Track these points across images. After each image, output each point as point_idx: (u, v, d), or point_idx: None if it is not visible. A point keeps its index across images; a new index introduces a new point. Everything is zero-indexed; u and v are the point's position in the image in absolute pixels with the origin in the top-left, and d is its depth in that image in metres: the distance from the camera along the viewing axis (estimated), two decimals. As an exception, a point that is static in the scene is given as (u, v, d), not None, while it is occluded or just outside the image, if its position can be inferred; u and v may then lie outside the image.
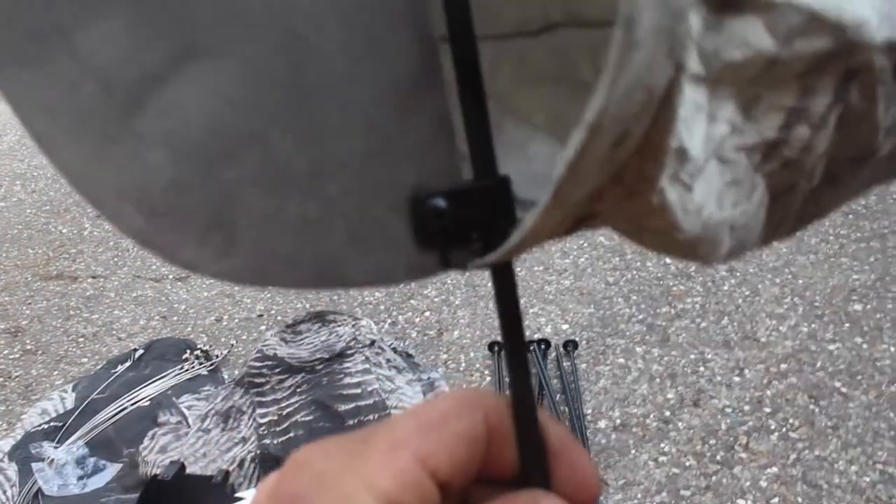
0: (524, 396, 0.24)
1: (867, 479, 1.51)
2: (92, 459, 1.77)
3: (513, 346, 0.24)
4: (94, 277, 2.73)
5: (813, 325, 1.99)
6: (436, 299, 2.31)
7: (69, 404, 1.96)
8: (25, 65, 0.21)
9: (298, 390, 1.73)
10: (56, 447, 1.79)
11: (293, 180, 0.22)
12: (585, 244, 2.51)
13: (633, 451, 1.65)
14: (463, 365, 1.98)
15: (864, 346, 1.89)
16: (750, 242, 0.27)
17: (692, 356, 1.92)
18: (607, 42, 0.33)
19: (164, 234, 0.23)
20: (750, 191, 0.25)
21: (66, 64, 0.21)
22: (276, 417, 1.68)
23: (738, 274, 2.24)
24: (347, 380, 1.71)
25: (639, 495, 1.54)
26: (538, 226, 0.21)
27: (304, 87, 0.21)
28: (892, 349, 1.86)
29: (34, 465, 1.71)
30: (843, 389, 1.76)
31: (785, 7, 0.21)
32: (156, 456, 1.68)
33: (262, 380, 1.78)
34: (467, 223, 0.22)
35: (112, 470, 1.75)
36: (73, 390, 2.02)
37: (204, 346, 2.17)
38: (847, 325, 1.97)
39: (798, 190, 0.27)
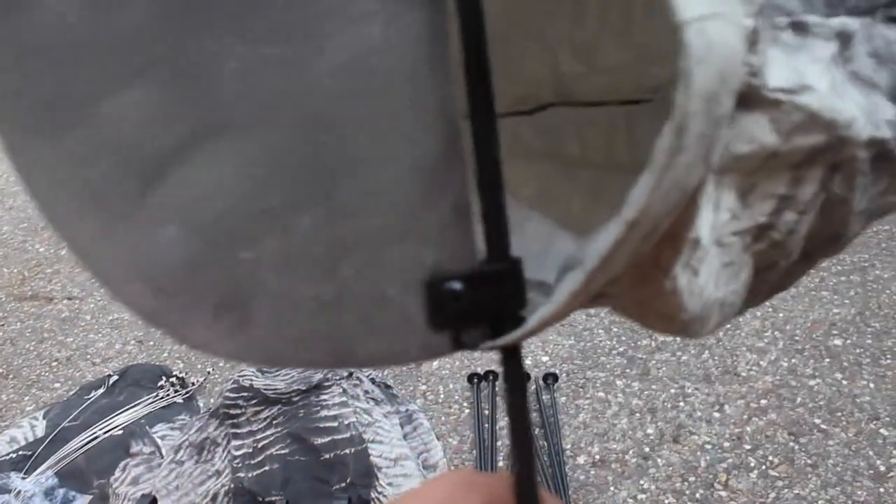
0: (528, 487, 0.24)
1: (846, 520, 1.50)
2: (61, 490, 1.73)
3: (519, 436, 0.24)
4: (69, 299, 2.69)
5: (793, 360, 1.98)
6: (416, 328, 2.29)
7: (39, 432, 1.92)
8: (40, 136, 0.20)
9: (274, 422, 1.71)
10: (24, 478, 1.75)
11: (309, 261, 0.22)
12: (567, 273, 2.50)
13: (612, 488, 1.64)
14: (442, 396, 1.96)
15: (844, 381, 1.89)
16: (731, 316, 0.28)
17: (672, 390, 1.91)
18: (593, 121, 0.35)
19: (174, 314, 0.22)
20: (739, 270, 0.27)
21: (83, 136, 0.20)
22: (250, 450, 1.66)
23: (718, 306, 2.24)
24: (324, 412, 1.68)
25: (617, 534, 1.53)
26: (559, 311, 0.21)
27: (325, 168, 0.21)
28: (872, 385, 1.86)
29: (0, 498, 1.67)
30: (823, 426, 1.75)
31: (789, 106, 0.23)
32: (127, 488, 1.65)
33: (238, 411, 1.75)
34: (480, 305, 0.22)
35: (82, 502, 1.71)
36: (44, 417, 1.98)
37: (180, 372, 2.14)
38: (827, 360, 1.97)
39: (778, 267, 0.29)
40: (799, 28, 0.24)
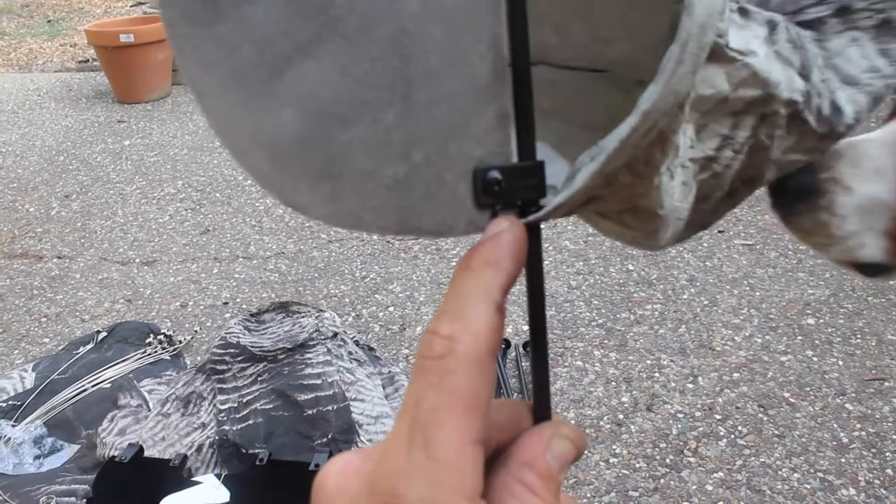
0: (541, 346, 0.31)
1: (808, 486, 1.56)
2: (49, 440, 1.77)
3: (536, 308, 0.30)
4: (59, 258, 2.72)
5: (767, 337, 2.04)
6: (400, 295, 2.33)
7: (29, 384, 1.96)
8: (197, 25, 0.26)
9: (259, 379, 1.75)
10: (13, 426, 1.79)
11: (390, 146, 0.28)
12: (550, 247, 2.54)
13: (585, 452, 1.69)
14: (424, 361, 2.01)
15: (815, 358, 1.95)
16: (677, 236, 0.36)
17: (648, 361, 1.96)
18: (562, 83, 0.43)
19: (284, 180, 0.28)
20: (688, 193, 0.33)
21: (232, 29, 0.26)
22: (236, 404, 1.70)
23: (697, 283, 2.29)
24: (308, 370, 1.73)
25: (588, 494, 1.58)
26: (581, 188, 0.28)
27: (407, 74, 0.27)
28: (841, 363, 1.92)
29: (-10, 443, 1.71)
30: (792, 400, 1.81)
31: (740, 64, 0.31)
32: (114, 438, 1.69)
33: (224, 367, 1.79)
34: (514, 192, 0.28)
35: (69, 451, 1.75)
36: (33, 370, 2.01)
37: (168, 331, 2.18)
38: (799, 337, 2.03)
39: (711, 199, 0.36)
40: (743, 12, 0.32)
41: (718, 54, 0.30)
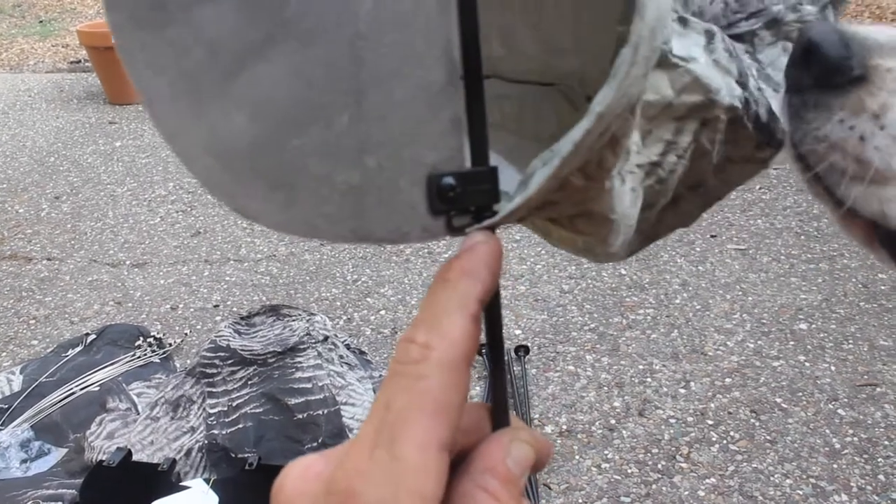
0: (498, 355, 0.30)
1: (800, 492, 1.56)
2: (37, 443, 1.75)
3: (493, 315, 0.30)
4: (49, 259, 2.70)
5: (759, 342, 2.04)
6: (392, 298, 2.32)
7: (16, 387, 1.94)
8: (146, 29, 0.25)
9: (249, 382, 1.74)
10: (0, 429, 1.77)
11: (343, 152, 0.27)
12: (543, 251, 2.54)
13: (577, 457, 1.68)
14: (416, 365, 2.00)
15: (807, 364, 1.94)
16: (630, 246, 0.35)
17: (640, 366, 1.96)
18: (509, 95, 0.43)
19: (237, 188, 0.28)
20: (637, 199, 0.33)
21: (182, 31, 0.25)
22: (225, 408, 1.69)
23: (690, 288, 2.29)
24: (299, 374, 1.72)
25: (580, 500, 1.57)
26: (536, 191, 0.27)
27: (362, 78, 0.26)
28: (833, 368, 1.92)
29: (-24, 447, 1.69)
30: (784, 405, 1.81)
31: (682, 69, 0.32)
32: (102, 442, 1.67)
33: (214, 370, 1.78)
34: (468, 197, 0.28)
35: (57, 454, 1.74)
36: (20, 372, 1.99)
37: (157, 333, 2.16)
38: (792, 343, 2.03)
39: (656, 207, 0.36)
40: (683, 21, 0.33)
41: (663, 61, 0.31)
